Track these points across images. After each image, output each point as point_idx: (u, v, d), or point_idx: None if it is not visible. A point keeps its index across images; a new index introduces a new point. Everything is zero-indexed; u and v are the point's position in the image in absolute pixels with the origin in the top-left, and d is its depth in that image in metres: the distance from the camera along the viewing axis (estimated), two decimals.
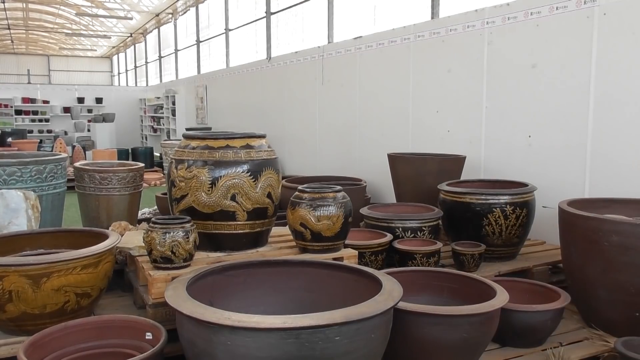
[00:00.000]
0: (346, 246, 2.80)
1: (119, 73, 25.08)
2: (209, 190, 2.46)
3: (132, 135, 16.78)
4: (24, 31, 21.74)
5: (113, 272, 2.49)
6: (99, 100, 17.43)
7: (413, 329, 2.02)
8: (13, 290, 2.16)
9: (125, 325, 2.03)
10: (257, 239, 2.65)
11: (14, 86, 18.05)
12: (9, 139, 10.69)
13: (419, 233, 3.25)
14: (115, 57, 25.62)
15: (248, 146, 2.56)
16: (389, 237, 3.11)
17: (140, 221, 4.03)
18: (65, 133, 15.13)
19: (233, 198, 2.48)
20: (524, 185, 3.44)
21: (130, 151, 11.58)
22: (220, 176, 2.45)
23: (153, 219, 2.37)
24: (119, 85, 23.62)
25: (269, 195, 2.58)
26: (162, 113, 14.88)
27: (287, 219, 2.65)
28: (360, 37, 6.03)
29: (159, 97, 15.42)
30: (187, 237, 2.28)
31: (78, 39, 22.77)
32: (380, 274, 2.10)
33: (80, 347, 1.99)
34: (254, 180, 2.50)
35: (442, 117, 4.81)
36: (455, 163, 4.17)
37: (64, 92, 17.66)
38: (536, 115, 3.91)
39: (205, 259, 2.47)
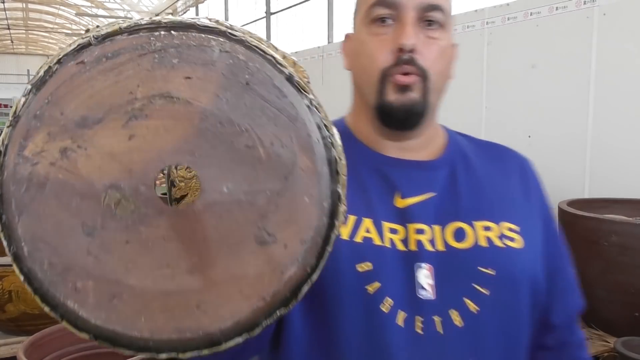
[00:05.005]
0: None
1: None
2: None
3: None
4: (23, 31, 21.75)
5: None
6: None
7: None
8: (13, 291, 2.17)
9: None
10: None
11: (14, 86, 18.03)
12: None
13: None
14: None
15: None
16: None
17: None
18: None
19: None
20: None
21: None
22: None
23: None
24: None
25: None
26: None
27: None
28: None
29: None
30: None
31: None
32: None
33: (80, 347, 2.00)
34: None
35: (442, 117, 4.76)
36: None
37: None
38: (536, 115, 3.92)
39: None
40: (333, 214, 0.43)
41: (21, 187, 0.41)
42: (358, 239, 0.64)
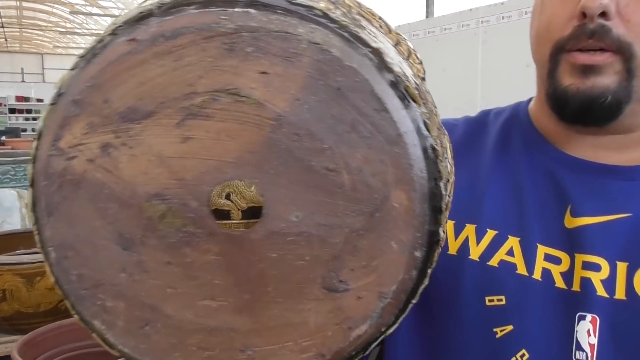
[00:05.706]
0: None
1: None
2: None
3: None
4: (17, 29, 21.67)
5: None
6: None
7: None
8: (7, 290, 2.16)
9: None
10: None
11: (8, 84, 17.97)
12: (3, 138, 10.64)
13: None
14: None
15: None
16: None
17: None
18: None
19: (227, 197, 2.48)
20: None
21: None
22: None
23: None
24: None
25: None
26: None
27: None
28: None
29: None
30: None
31: (72, 38, 22.71)
32: None
33: (75, 346, 1.99)
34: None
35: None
36: None
37: None
38: None
39: None
40: (427, 262, 0.33)
41: (53, 184, 0.34)
42: (493, 262, 0.47)
